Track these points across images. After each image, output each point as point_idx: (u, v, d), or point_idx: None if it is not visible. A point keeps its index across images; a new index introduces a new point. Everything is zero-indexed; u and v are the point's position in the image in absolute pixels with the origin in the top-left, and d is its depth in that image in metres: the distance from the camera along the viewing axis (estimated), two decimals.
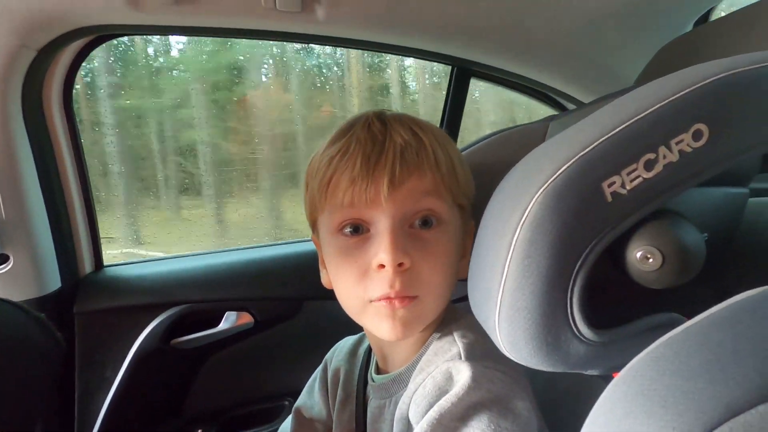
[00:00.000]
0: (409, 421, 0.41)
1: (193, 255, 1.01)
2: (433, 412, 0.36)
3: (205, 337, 0.90)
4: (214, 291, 0.92)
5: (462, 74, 1.00)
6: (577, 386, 0.49)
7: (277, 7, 0.76)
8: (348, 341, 0.63)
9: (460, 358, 0.41)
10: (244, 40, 1.07)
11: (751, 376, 0.21)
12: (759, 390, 0.20)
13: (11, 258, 0.76)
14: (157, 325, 0.87)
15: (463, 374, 0.38)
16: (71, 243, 0.87)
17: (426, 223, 0.42)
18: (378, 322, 0.43)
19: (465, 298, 0.61)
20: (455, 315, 0.48)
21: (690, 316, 0.26)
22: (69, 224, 0.86)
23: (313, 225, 0.50)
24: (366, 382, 0.53)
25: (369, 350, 0.57)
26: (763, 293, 0.26)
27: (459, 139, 1.05)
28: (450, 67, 1.01)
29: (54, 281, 0.82)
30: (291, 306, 0.96)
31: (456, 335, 0.44)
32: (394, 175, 0.40)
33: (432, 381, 0.40)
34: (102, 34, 0.77)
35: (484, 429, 0.34)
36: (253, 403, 0.97)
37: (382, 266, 0.40)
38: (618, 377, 0.26)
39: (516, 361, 0.33)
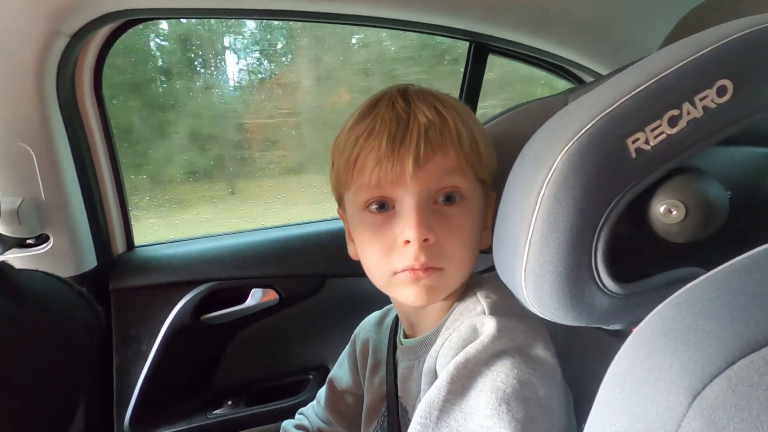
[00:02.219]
0: (436, 372, 0.43)
1: (219, 235, 1.04)
2: (460, 357, 0.38)
3: (233, 313, 0.94)
4: (240, 269, 0.95)
5: (480, 51, 1.00)
6: (594, 348, 0.50)
7: None
8: (373, 316, 0.65)
9: (484, 313, 0.42)
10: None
11: None
12: None
13: (51, 238, 0.80)
14: (187, 302, 0.91)
15: (487, 326, 0.40)
16: (105, 224, 0.90)
17: (449, 199, 0.44)
18: (403, 290, 0.45)
19: (489, 269, 0.63)
20: (479, 281, 0.49)
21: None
22: (102, 206, 0.89)
23: (339, 200, 0.52)
24: (395, 348, 0.55)
25: (396, 319, 0.59)
26: None
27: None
28: (468, 44, 1.01)
29: (90, 260, 0.86)
30: (314, 283, 0.99)
31: (480, 296, 0.45)
32: (418, 155, 0.42)
33: (457, 334, 0.42)
34: (130, 19, 0.79)
35: (508, 373, 0.36)
36: (280, 377, 1.00)
37: (408, 242, 0.42)
38: (642, 323, 0.27)
39: (541, 315, 0.35)
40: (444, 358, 0.42)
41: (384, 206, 0.44)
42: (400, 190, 0.43)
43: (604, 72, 1.03)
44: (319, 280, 0.99)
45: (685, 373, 0.22)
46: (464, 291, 0.48)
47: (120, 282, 0.90)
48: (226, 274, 0.94)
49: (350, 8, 0.88)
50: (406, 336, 0.54)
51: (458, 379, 0.37)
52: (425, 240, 0.42)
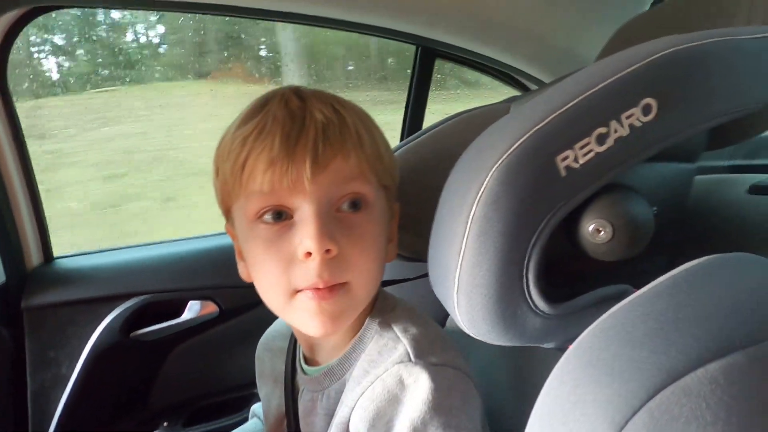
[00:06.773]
0: (348, 426, 0.39)
1: (151, 244, 0.97)
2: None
3: (168, 328, 0.88)
4: (176, 280, 0.89)
5: (426, 54, 1.00)
6: (533, 361, 0.50)
7: None
8: (279, 322, 0.57)
9: (410, 359, 0.39)
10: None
11: (689, 343, 0.21)
12: (697, 355, 0.21)
13: None
14: (114, 318, 0.84)
15: (420, 383, 0.37)
16: (15, 234, 0.81)
17: (354, 205, 0.40)
18: (305, 319, 0.39)
19: (392, 282, 0.60)
20: (388, 303, 0.45)
21: (640, 288, 0.26)
22: (11, 215, 0.80)
23: (227, 214, 0.45)
24: (294, 371, 0.49)
25: (294, 339, 0.52)
26: (701, 263, 0.26)
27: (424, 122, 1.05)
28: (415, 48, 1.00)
29: None
30: (257, 294, 0.94)
31: (397, 330, 0.41)
32: (317, 155, 0.37)
33: (382, 385, 0.38)
34: (38, 6, 0.70)
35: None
36: (221, 394, 0.95)
37: (309, 254, 0.37)
38: (569, 350, 0.26)
39: (474, 336, 0.33)
40: (364, 411, 0.38)
41: (280, 215, 0.39)
42: (298, 197, 0.38)
43: (547, 80, 1.06)
44: None
45: (609, 406, 0.22)
46: (372, 312, 0.44)
47: (34, 299, 0.81)
48: (159, 287, 0.88)
49: (297, 7, 0.84)
50: (306, 359, 0.48)
51: None
52: (327, 251, 0.37)
